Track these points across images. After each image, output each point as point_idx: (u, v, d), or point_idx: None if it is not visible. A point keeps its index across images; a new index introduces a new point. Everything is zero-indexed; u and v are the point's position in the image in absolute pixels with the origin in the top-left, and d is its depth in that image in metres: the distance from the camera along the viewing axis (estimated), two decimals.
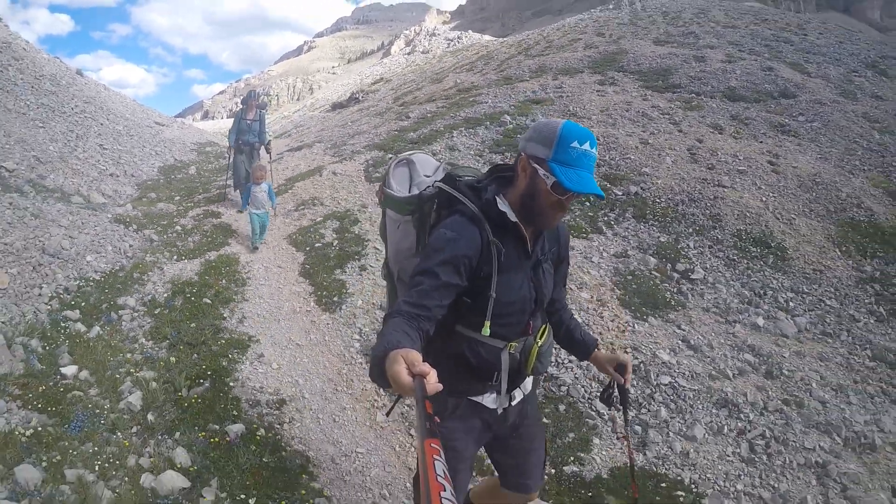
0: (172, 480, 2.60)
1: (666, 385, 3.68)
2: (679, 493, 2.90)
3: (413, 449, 3.14)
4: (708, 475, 3.03)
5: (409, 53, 31.75)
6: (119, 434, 2.90)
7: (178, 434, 2.96)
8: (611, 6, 29.77)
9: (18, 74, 9.58)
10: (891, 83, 12.85)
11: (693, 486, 2.96)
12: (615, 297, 4.75)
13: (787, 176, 6.68)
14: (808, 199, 6.24)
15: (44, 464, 2.54)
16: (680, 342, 4.21)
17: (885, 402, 3.64)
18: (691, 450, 3.22)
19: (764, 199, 6.15)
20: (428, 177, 1.83)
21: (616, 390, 1.82)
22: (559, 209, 1.46)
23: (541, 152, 1.42)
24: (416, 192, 1.77)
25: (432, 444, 0.80)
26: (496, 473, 1.96)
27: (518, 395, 1.73)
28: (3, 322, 3.60)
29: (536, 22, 28.59)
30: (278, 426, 3.24)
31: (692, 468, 3.09)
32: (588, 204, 6.25)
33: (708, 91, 11.12)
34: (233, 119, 7.87)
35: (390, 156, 8.75)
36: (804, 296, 4.83)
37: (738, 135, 8.57)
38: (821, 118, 9.33)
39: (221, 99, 64.29)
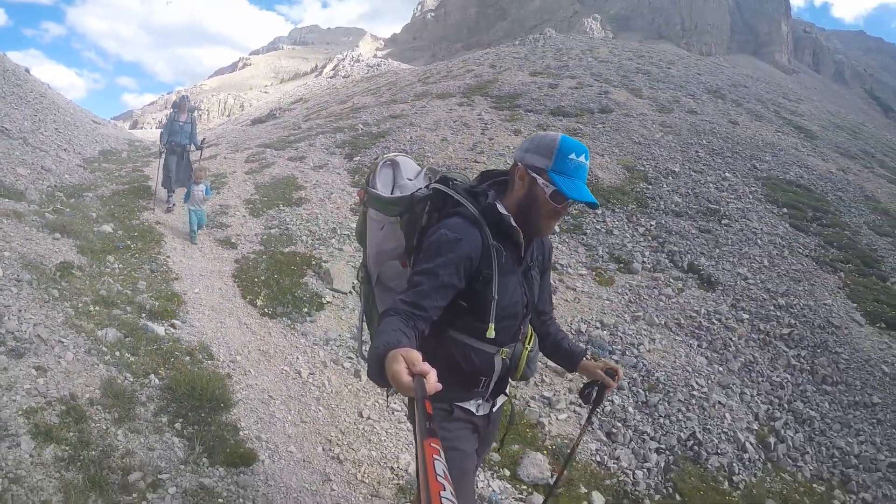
0: None
1: None
2: None
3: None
4: None
5: (332, 77, 36.61)
6: None
7: None
8: (517, 42, 36.03)
9: None
10: (715, 103, 18.49)
11: None
12: None
13: None
14: None
15: None
16: None
17: None
18: None
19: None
20: (410, 180, 1.94)
21: (595, 391, 1.95)
22: (555, 217, 1.63)
23: (540, 162, 1.58)
24: (398, 193, 1.88)
25: (432, 444, 0.85)
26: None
27: (500, 401, 1.88)
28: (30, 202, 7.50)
29: (466, 54, 34.16)
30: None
31: None
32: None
33: (538, 109, 15.50)
34: (162, 128, 8.85)
35: (271, 149, 13.04)
36: None
37: (527, 135, 13.41)
38: (617, 125, 13.89)
39: (151, 109, 66.44)
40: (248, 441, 3.06)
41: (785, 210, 10.83)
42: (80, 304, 3.96)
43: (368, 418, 3.78)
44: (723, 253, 8.52)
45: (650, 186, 10.58)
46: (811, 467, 5.30)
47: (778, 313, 7.24)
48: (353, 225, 7.72)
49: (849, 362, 6.78)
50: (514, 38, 36.20)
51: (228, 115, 42.72)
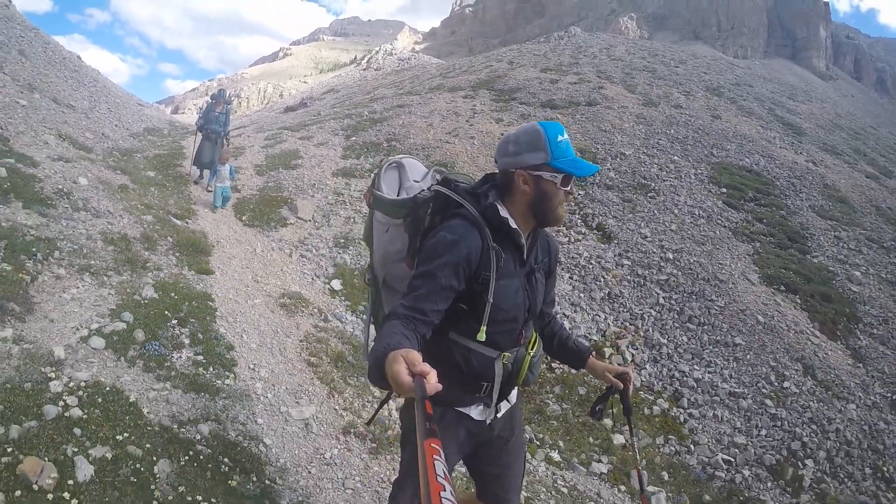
0: None
1: None
2: None
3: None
4: None
5: (364, 69, 39.68)
6: None
7: None
8: (542, 40, 38.03)
9: (53, 55, 16.43)
10: (708, 99, 20.15)
11: None
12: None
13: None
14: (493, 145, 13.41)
15: None
16: None
17: None
18: None
19: (468, 149, 13.22)
20: (417, 182, 2.01)
21: (616, 397, 2.01)
22: (567, 200, 1.73)
23: (539, 159, 1.67)
24: (404, 195, 1.95)
25: (432, 445, 0.89)
26: (472, 487, 2.10)
27: (504, 407, 1.92)
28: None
29: (501, 49, 36.59)
30: None
31: None
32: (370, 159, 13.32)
33: (531, 102, 17.61)
34: (200, 113, 10.44)
35: (288, 131, 15.86)
36: None
37: (508, 124, 15.40)
38: (593, 116, 15.91)
39: (192, 96, 71.90)
40: (213, 268, 5.72)
41: (724, 190, 12.72)
42: (131, 204, 6.70)
43: (282, 269, 6.45)
44: (635, 217, 10.57)
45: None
46: (643, 379, 7.22)
47: (662, 264, 9.22)
48: (330, 182, 10.35)
49: (722, 309, 8.46)
50: (549, 35, 38.21)
51: (267, 103, 46.59)
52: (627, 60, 26.71)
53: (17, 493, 2.11)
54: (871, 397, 7.48)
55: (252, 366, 3.97)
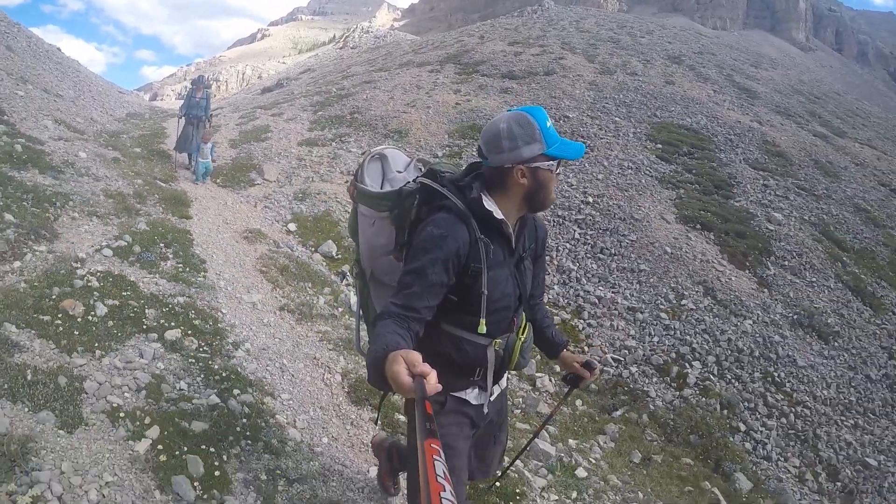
0: None
1: None
2: None
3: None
4: None
5: (341, 48, 40.82)
6: None
7: None
8: (515, 14, 39.13)
9: (37, 49, 17.77)
10: (666, 67, 21.41)
11: None
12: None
13: (461, 110, 15.10)
14: (451, 117, 14.80)
15: None
16: None
17: None
18: None
19: (422, 117, 14.70)
20: (400, 172, 2.06)
21: (571, 379, 2.20)
22: (556, 181, 1.83)
23: (534, 150, 1.73)
24: (388, 187, 2.00)
25: (432, 445, 0.92)
26: None
27: (497, 391, 2.04)
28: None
29: (475, 25, 37.63)
30: None
31: None
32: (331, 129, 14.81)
33: (492, 73, 18.98)
34: (182, 100, 12.46)
35: (261, 109, 17.34)
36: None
37: (465, 94, 16.91)
38: (547, 84, 17.35)
39: (170, 82, 72.76)
40: (191, 214, 7.42)
41: (659, 146, 14.26)
42: (124, 171, 8.31)
43: (248, 216, 8.24)
44: (564, 170, 12.05)
45: None
46: (550, 297, 8.57)
47: (581, 206, 10.80)
48: (295, 151, 11.92)
49: (633, 243, 9.80)
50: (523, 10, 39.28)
51: (246, 85, 47.70)
52: (594, 32, 27.99)
53: (60, 316, 3.71)
54: (771, 316, 8.52)
55: (218, 272, 5.62)
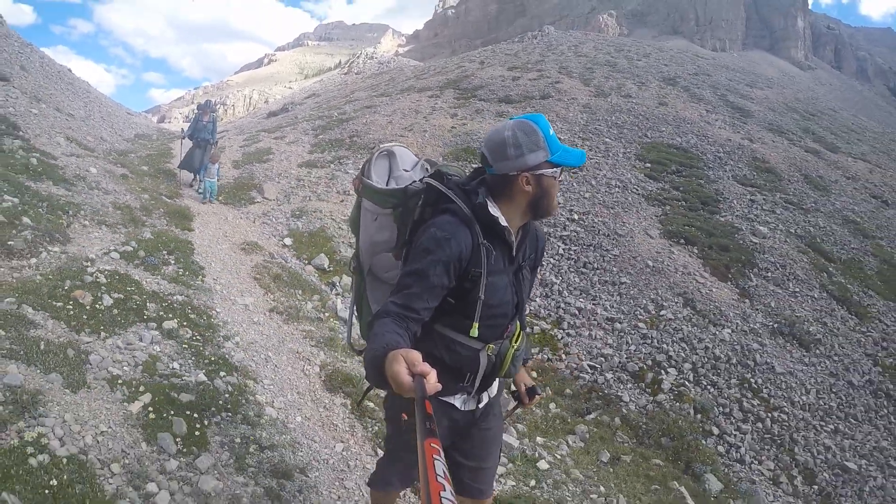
0: None
1: None
2: None
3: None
4: None
5: (345, 73, 42.04)
6: None
7: None
8: (516, 39, 40.20)
9: (49, 69, 18.64)
10: (661, 89, 22.02)
11: None
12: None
13: (456, 133, 15.75)
14: (447, 140, 15.39)
15: None
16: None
17: None
18: None
19: (419, 140, 15.33)
20: (407, 171, 2.08)
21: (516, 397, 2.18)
22: (558, 188, 1.87)
23: (539, 158, 1.76)
24: (394, 185, 2.02)
25: (432, 444, 0.93)
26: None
27: (485, 399, 2.03)
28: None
29: (477, 50, 38.75)
30: None
31: None
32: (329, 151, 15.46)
33: (489, 98, 19.70)
34: (188, 122, 13.69)
35: (264, 132, 18.08)
36: None
37: (461, 118, 17.59)
38: (542, 108, 17.89)
39: (178, 104, 74.73)
40: (193, 227, 8.01)
41: (648, 165, 14.75)
42: (131, 187, 8.93)
43: (246, 230, 8.84)
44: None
45: None
46: (531, 308, 8.86)
47: (566, 223, 11.20)
48: (294, 172, 12.53)
49: (616, 257, 10.16)
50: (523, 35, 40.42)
51: (253, 109, 49.02)
52: (592, 56, 28.72)
53: (71, 304, 4.21)
54: (751, 325, 8.68)
55: (215, 277, 6.13)
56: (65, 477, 2.37)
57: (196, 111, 11.98)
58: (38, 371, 3.07)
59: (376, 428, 4.02)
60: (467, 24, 71.98)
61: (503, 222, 1.78)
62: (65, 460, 2.48)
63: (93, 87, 23.59)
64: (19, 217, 5.45)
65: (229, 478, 2.86)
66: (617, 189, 13.06)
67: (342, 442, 3.64)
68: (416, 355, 1.23)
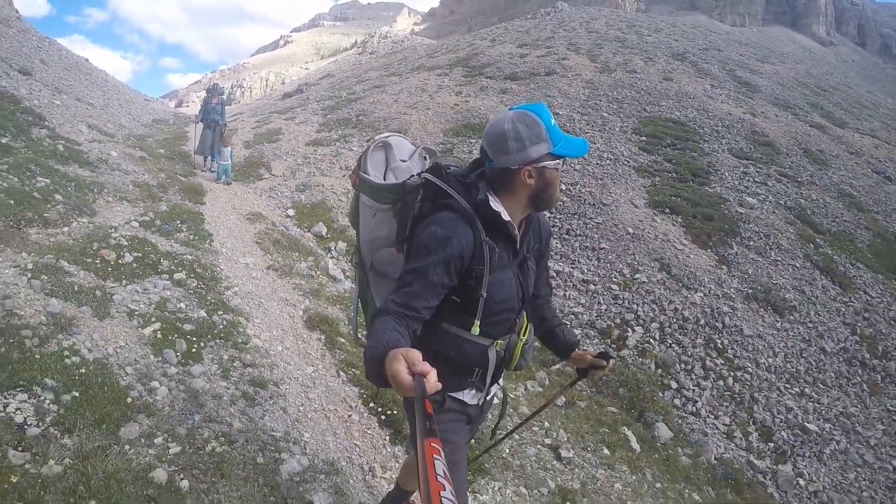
0: None
1: None
2: None
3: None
4: None
5: (360, 53, 42.63)
6: None
7: None
8: (528, 16, 40.15)
9: (67, 61, 19.77)
10: (668, 64, 22.19)
11: None
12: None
13: (458, 110, 16.46)
14: (449, 117, 16.11)
15: None
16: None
17: None
18: None
19: (421, 118, 16.08)
20: (404, 161, 2.08)
21: (581, 371, 2.16)
22: (560, 178, 1.85)
23: (541, 150, 1.73)
24: (391, 177, 2.02)
25: (432, 444, 0.93)
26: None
27: (493, 391, 2.10)
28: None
29: (489, 28, 38.89)
30: None
31: None
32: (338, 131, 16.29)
33: (496, 75, 20.20)
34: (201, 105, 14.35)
35: (276, 113, 19.00)
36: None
37: (465, 96, 18.18)
38: (545, 84, 18.46)
39: (196, 88, 76.31)
40: (205, 201, 8.97)
41: (643, 138, 15.21)
42: (149, 168, 9.94)
43: (253, 202, 9.76)
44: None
45: None
46: None
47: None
48: (301, 150, 13.44)
49: (598, 224, 10.71)
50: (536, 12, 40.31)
51: (270, 91, 50.04)
52: (603, 32, 28.79)
53: (98, 259, 5.16)
54: (725, 290, 8.94)
55: (221, 242, 7.09)
56: (91, 368, 3.30)
57: (206, 95, 12.79)
58: (73, 304, 4.01)
59: (342, 356, 4.92)
60: (483, 1, 71.57)
61: (505, 217, 1.77)
62: (91, 361, 3.42)
63: (110, 75, 24.69)
64: (52, 194, 6.44)
65: (215, 382, 3.78)
66: (608, 161, 13.57)
67: (312, 366, 4.54)
68: (416, 354, 1.24)
